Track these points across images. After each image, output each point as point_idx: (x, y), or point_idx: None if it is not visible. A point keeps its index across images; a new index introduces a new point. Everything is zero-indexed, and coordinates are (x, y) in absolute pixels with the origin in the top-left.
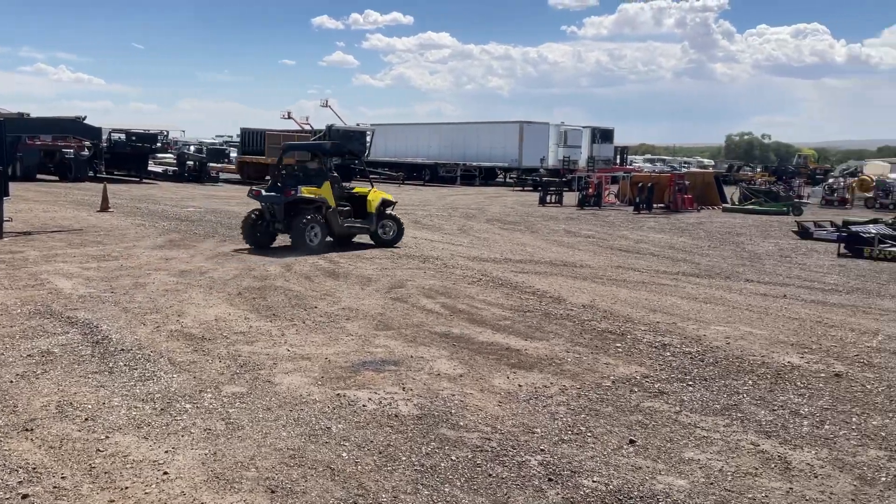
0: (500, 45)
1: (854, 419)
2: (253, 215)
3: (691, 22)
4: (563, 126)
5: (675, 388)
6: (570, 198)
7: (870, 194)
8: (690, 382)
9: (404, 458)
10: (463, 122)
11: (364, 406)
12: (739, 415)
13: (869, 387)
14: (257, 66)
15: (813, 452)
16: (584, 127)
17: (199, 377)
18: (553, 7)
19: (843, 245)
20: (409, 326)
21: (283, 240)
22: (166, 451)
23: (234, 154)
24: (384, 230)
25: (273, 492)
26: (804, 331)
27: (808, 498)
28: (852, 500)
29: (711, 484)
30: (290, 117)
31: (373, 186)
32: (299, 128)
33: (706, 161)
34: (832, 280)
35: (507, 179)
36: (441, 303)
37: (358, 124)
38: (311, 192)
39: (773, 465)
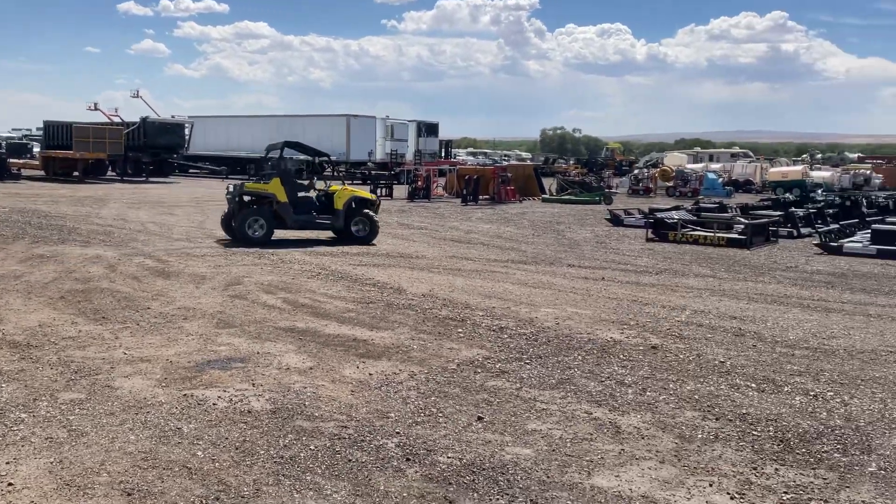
0: (321, 37)
1: (671, 385)
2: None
3: (505, 20)
4: (389, 120)
5: (514, 367)
6: (400, 191)
7: (670, 183)
8: (528, 361)
9: (262, 452)
10: (289, 115)
11: (214, 404)
12: (573, 387)
13: (681, 356)
14: (58, 54)
15: (639, 416)
16: (409, 121)
17: (31, 385)
18: (373, 0)
19: (650, 230)
20: (252, 323)
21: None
22: (7, 462)
23: (37, 149)
24: (357, 228)
25: (129, 494)
26: (622, 309)
27: (637, 457)
28: (675, 455)
29: (553, 451)
30: (97, 109)
31: (372, 187)
32: (108, 120)
33: (524, 154)
34: (643, 262)
35: (336, 173)
36: (282, 298)
37: (173, 116)
38: (256, 187)
39: (605, 430)
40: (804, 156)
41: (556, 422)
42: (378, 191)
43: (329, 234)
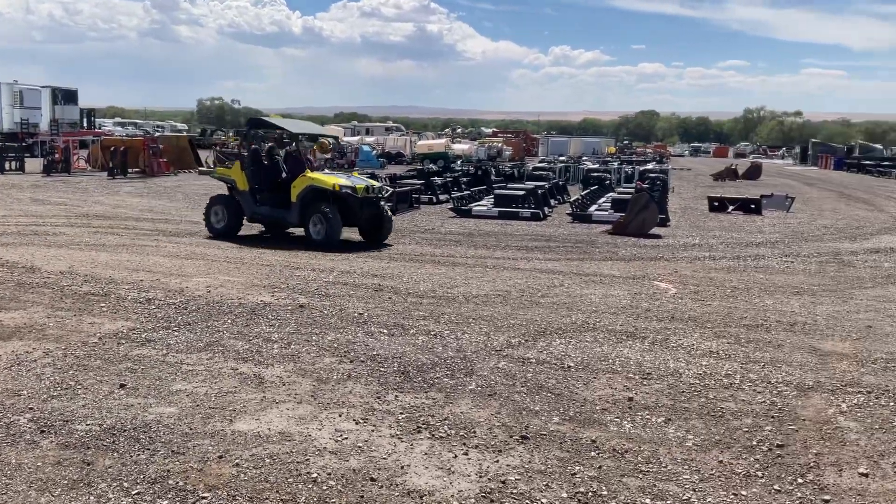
0: None
1: (314, 338)
2: None
3: None
4: (18, 85)
5: (161, 335)
6: (34, 164)
7: (328, 155)
8: (175, 329)
9: None
10: None
11: None
12: (220, 348)
13: (325, 312)
14: None
15: (282, 367)
16: (42, 87)
17: None
18: None
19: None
20: None
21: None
22: None
23: None
24: (315, 228)
25: None
26: (275, 274)
27: (277, 401)
28: (312, 396)
29: (197, 406)
30: None
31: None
32: None
33: (180, 125)
34: (298, 231)
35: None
36: None
37: None
38: (222, 172)
39: (249, 382)
40: (447, 130)
41: (202, 380)
42: (6, 164)
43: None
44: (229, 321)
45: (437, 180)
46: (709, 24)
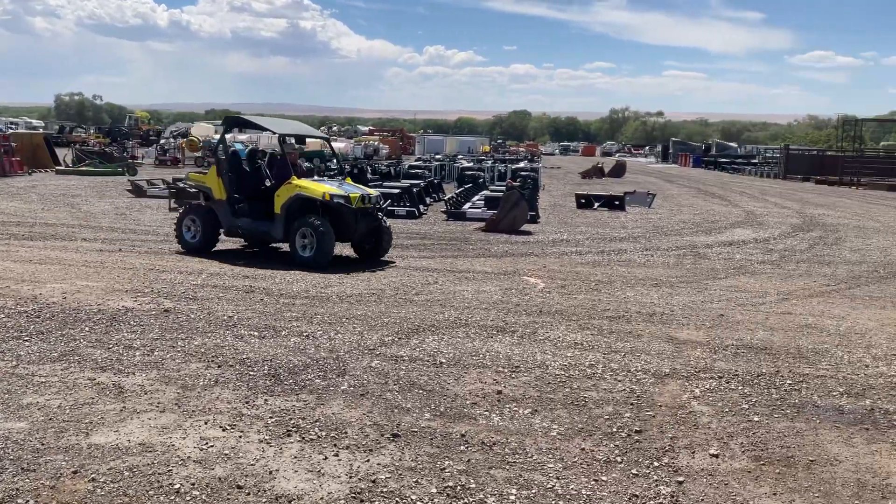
0: None
1: (180, 343)
2: None
3: None
4: None
5: (11, 345)
6: None
7: (199, 153)
8: (27, 338)
9: None
10: None
11: None
12: (77, 358)
13: (192, 316)
14: None
15: (144, 375)
16: None
17: None
18: None
19: (173, 200)
20: None
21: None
22: None
23: None
24: (302, 243)
25: None
26: (138, 278)
27: (138, 411)
28: (176, 403)
29: (50, 419)
30: None
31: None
32: None
33: (35, 122)
34: (166, 231)
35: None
36: None
37: None
38: (196, 179)
39: (108, 393)
40: (322, 128)
41: (56, 392)
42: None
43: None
44: (87, 329)
45: None
46: (576, 27)
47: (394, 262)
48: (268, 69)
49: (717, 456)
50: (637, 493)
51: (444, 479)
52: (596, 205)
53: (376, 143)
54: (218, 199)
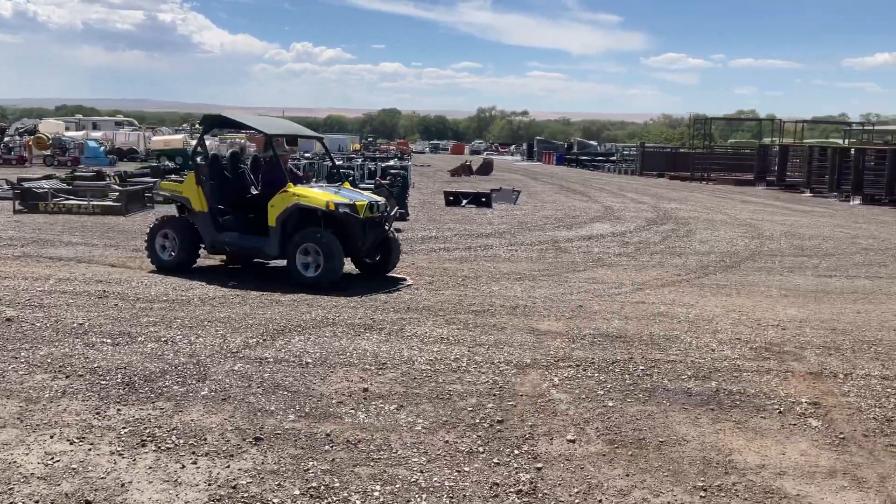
0: None
1: (23, 354)
2: None
3: None
4: None
5: None
6: None
7: (48, 152)
8: None
9: None
10: None
11: None
12: None
13: (38, 325)
14: None
15: None
16: None
17: None
18: None
19: (18, 202)
20: None
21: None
22: None
23: None
24: (305, 260)
25: None
26: None
27: None
28: (18, 418)
29: None
30: None
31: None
32: None
33: None
34: (9, 235)
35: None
36: None
37: None
38: (169, 187)
39: None
40: (184, 125)
41: None
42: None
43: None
44: None
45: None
46: (443, 27)
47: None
48: (124, 63)
49: (573, 441)
50: (498, 481)
51: (307, 479)
52: (464, 202)
53: (243, 140)
54: (198, 211)
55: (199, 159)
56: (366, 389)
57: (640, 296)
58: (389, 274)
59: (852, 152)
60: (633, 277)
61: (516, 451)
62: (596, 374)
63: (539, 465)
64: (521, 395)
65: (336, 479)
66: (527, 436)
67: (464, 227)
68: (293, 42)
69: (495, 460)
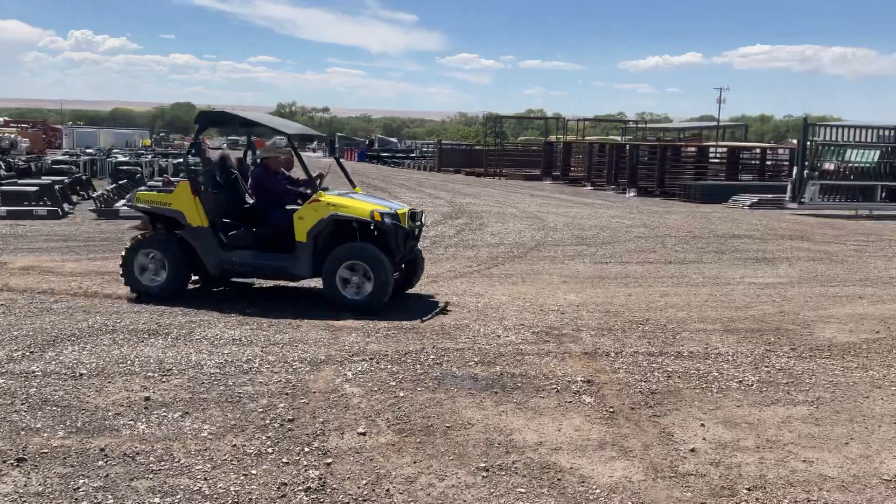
0: None
1: None
2: None
3: None
4: None
5: None
6: None
7: None
8: None
9: None
10: None
11: None
12: None
13: None
14: None
15: None
16: None
17: None
18: None
19: None
20: None
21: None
22: None
23: None
24: (349, 279)
25: None
26: None
27: None
28: None
29: None
30: None
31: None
32: None
33: None
34: None
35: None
36: None
37: None
38: (152, 199)
39: None
40: None
41: None
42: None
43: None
44: None
45: None
46: (237, 19)
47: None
48: None
49: (364, 434)
50: (286, 481)
51: (76, 499)
52: None
53: (13, 135)
54: (196, 227)
55: (192, 164)
56: (148, 398)
57: (433, 288)
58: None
59: (627, 148)
60: (428, 270)
61: (306, 449)
62: (389, 366)
63: (329, 460)
64: (315, 392)
65: (110, 496)
66: (318, 432)
67: None
68: (71, 29)
69: (284, 460)
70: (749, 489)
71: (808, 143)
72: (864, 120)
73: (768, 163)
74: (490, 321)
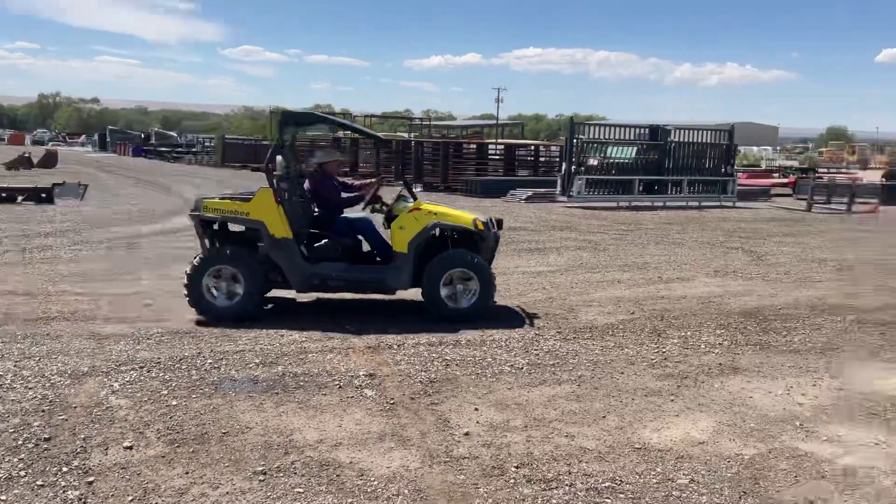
0: None
1: None
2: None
3: None
4: None
5: None
6: None
7: None
8: None
9: None
10: None
11: None
12: None
13: None
14: None
15: None
16: None
17: None
18: None
19: None
20: None
21: None
22: None
23: None
24: (448, 291)
25: None
26: None
27: None
28: None
29: None
30: None
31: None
32: None
33: None
34: None
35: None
36: None
37: None
38: (225, 207)
39: None
40: None
41: None
42: None
43: None
44: None
45: None
46: None
47: None
48: None
49: (131, 448)
50: None
51: None
52: (20, 198)
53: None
54: (279, 238)
55: (278, 171)
56: None
57: None
58: None
59: (413, 144)
60: None
61: (65, 469)
62: (161, 374)
63: (91, 478)
64: (75, 407)
65: None
66: (78, 450)
67: (20, 226)
68: None
69: (39, 482)
70: (517, 467)
71: (575, 140)
72: (624, 119)
73: (542, 159)
74: (277, 320)
